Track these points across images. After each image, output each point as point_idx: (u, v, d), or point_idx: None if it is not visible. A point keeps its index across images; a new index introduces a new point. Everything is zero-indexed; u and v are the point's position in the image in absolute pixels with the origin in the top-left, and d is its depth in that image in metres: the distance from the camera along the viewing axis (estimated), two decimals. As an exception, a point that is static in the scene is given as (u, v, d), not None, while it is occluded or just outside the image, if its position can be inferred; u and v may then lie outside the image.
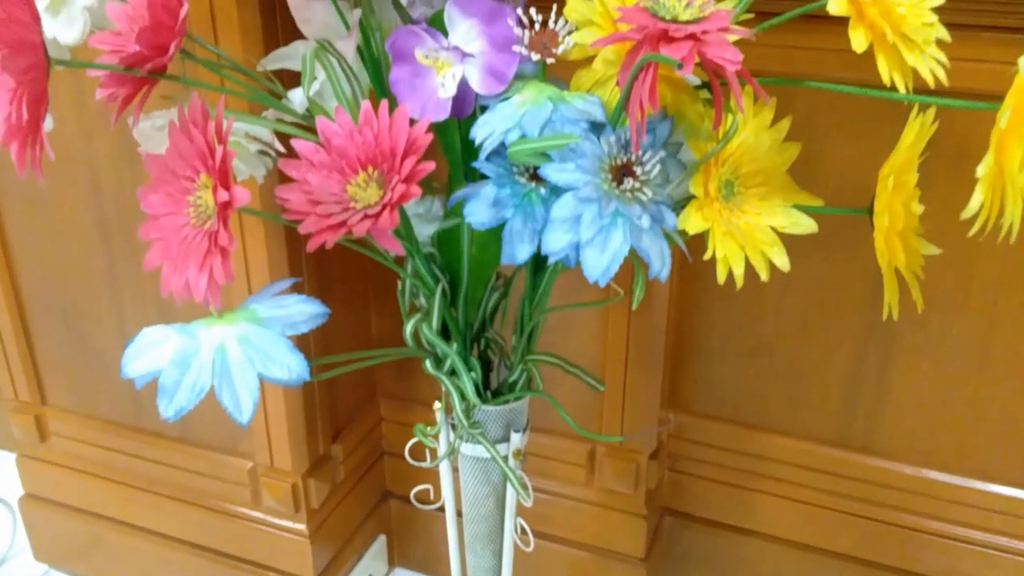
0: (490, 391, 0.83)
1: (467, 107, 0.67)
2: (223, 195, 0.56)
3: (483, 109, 0.65)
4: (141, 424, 1.23)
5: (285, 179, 0.60)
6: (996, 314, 1.00)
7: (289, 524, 1.19)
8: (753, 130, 0.62)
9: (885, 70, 0.52)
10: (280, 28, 0.87)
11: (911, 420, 1.08)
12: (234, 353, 0.60)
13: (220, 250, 0.58)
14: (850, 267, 1.01)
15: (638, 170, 0.59)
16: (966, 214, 0.49)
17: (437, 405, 0.84)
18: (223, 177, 0.57)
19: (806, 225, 0.62)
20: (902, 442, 1.10)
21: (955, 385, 1.05)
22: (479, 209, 0.64)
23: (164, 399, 0.59)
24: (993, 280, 0.98)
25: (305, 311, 0.64)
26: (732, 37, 0.50)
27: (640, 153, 0.59)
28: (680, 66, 0.47)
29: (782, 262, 0.62)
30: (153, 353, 0.61)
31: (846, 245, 0.99)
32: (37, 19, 0.54)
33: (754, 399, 1.15)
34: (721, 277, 0.60)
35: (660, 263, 0.60)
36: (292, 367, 0.61)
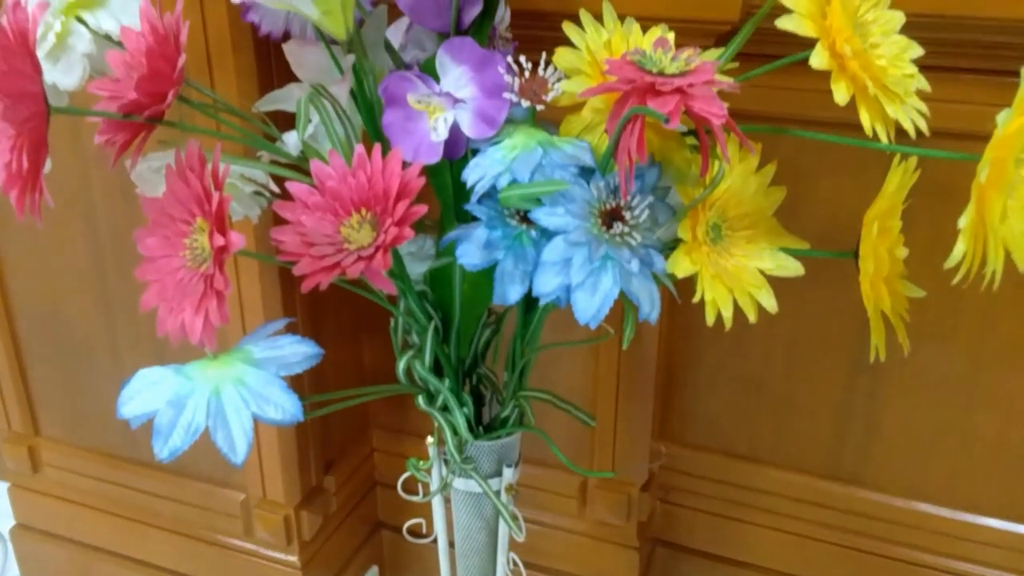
0: (482, 426, 0.84)
1: (459, 150, 0.68)
2: (219, 240, 0.57)
3: (474, 152, 0.66)
4: (134, 455, 1.23)
5: (280, 220, 0.61)
6: (983, 346, 1.01)
7: (281, 556, 1.19)
8: (739, 175, 0.63)
9: (867, 121, 0.53)
10: (275, 70, 0.88)
11: (901, 452, 1.09)
12: (229, 394, 0.61)
13: (216, 293, 0.59)
14: (837, 300, 1.02)
15: (627, 215, 0.61)
16: (949, 263, 0.50)
17: (430, 440, 0.85)
18: (219, 222, 0.58)
19: (792, 268, 0.63)
20: (892, 474, 1.10)
21: (944, 417, 1.06)
22: (471, 251, 0.65)
23: (159, 440, 0.59)
24: (979, 313, 0.99)
25: (299, 352, 0.65)
26: (718, 87, 0.52)
27: (629, 199, 0.60)
28: (667, 121, 0.48)
29: (770, 304, 0.63)
30: (149, 394, 0.62)
31: (833, 278, 1.00)
32: (38, 69, 0.55)
33: (744, 431, 1.16)
34: (710, 319, 0.61)
35: (649, 306, 0.62)
36: (286, 408, 0.62)
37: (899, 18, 0.58)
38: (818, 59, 0.52)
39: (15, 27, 0.55)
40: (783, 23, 0.52)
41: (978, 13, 0.79)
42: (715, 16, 0.80)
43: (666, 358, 1.15)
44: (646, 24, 0.65)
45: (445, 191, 0.74)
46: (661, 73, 0.52)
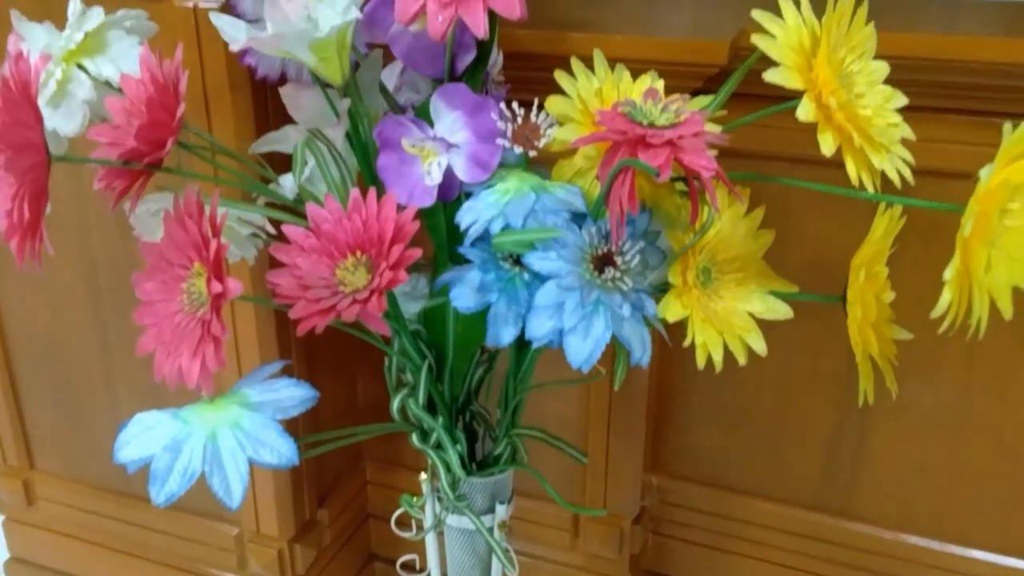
0: (475, 463, 0.85)
1: (452, 192, 0.69)
2: (217, 287, 0.58)
3: (468, 195, 0.67)
4: (128, 489, 1.23)
5: (276, 263, 0.62)
6: (970, 380, 1.02)
7: (275, 589, 1.20)
8: (729, 219, 0.64)
9: (853, 171, 0.54)
10: (271, 111, 0.89)
11: (889, 484, 1.10)
12: (225, 438, 0.62)
13: (213, 338, 0.59)
14: (826, 334, 1.03)
15: (618, 260, 0.62)
16: (935, 313, 0.51)
17: (423, 476, 0.85)
18: (217, 269, 0.59)
19: (782, 311, 0.64)
20: (881, 506, 1.11)
21: (932, 450, 1.06)
22: (465, 294, 0.66)
23: (155, 485, 0.60)
24: (965, 346, 1.00)
25: (295, 395, 0.65)
26: (707, 139, 0.53)
27: (620, 244, 0.61)
28: (657, 175, 0.49)
29: (759, 347, 0.64)
30: (145, 438, 0.62)
31: (822, 313, 1.00)
32: (40, 119, 0.56)
33: (735, 463, 1.17)
34: (701, 362, 0.62)
35: (641, 350, 0.62)
36: (282, 452, 0.62)
37: (883, 69, 0.59)
38: (805, 111, 0.53)
39: (18, 78, 0.56)
40: (770, 76, 0.54)
41: (960, 56, 0.81)
42: (704, 60, 0.82)
43: (657, 391, 1.16)
44: (636, 67, 0.67)
45: (439, 231, 0.75)
46: (652, 125, 0.53)
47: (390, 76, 0.77)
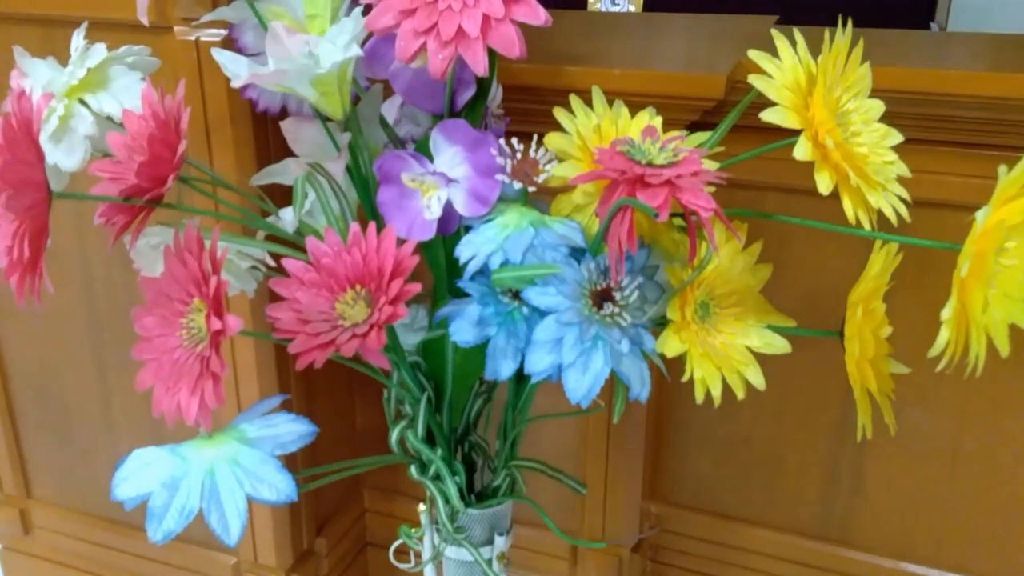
0: (474, 494, 0.85)
1: (452, 226, 0.69)
2: (216, 324, 0.58)
3: (467, 228, 0.68)
4: (125, 518, 1.23)
5: (275, 296, 0.62)
6: (967, 410, 1.02)
7: (272, 618, 1.19)
8: (727, 254, 0.64)
9: (850, 209, 0.55)
10: (272, 144, 0.90)
11: (888, 513, 1.10)
12: (223, 475, 0.62)
13: (212, 375, 0.59)
14: (824, 362, 1.03)
15: (617, 295, 0.62)
16: (933, 352, 0.51)
17: (422, 507, 0.85)
18: (217, 305, 0.59)
19: (780, 346, 0.64)
20: (879, 534, 1.11)
21: (929, 478, 1.06)
22: (464, 328, 0.66)
23: (153, 523, 0.60)
24: (962, 377, 1.00)
25: (294, 431, 0.65)
26: (706, 179, 0.53)
27: (619, 280, 0.62)
28: (656, 215, 0.49)
29: (758, 381, 0.64)
30: (143, 475, 0.62)
31: (819, 341, 1.01)
32: (41, 157, 0.56)
33: (733, 491, 1.17)
34: (699, 397, 0.62)
35: (640, 385, 0.63)
36: (280, 488, 0.62)
37: (878, 107, 0.60)
38: (802, 151, 0.53)
39: (20, 116, 0.56)
40: (768, 116, 0.54)
41: (951, 90, 0.82)
42: (701, 93, 0.82)
43: (655, 419, 1.16)
44: (634, 101, 0.67)
45: (438, 264, 0.76)
46: (650, 164, 0.53)
47: (390, 109, 0.78)
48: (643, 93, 0.82)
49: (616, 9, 2.22)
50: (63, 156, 0.66)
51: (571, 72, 0.86)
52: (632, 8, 2.21)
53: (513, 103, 0.81)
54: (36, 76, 0.67)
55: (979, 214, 0.49)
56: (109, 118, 0.68)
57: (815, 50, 0.59)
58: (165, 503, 0.60)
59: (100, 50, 0.67)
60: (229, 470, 0.62)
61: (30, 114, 0.56)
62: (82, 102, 0.67)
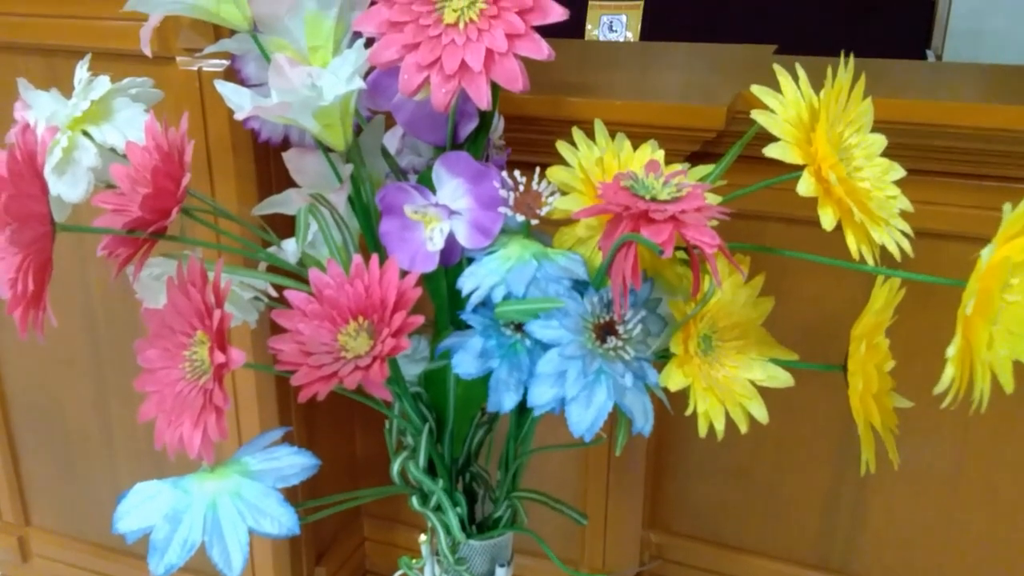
0: (475, 525, 0.84)
1: (454, 257, 0.69)
2: (220, 357, 0.58)
3: (469, 259, 0.68)
4: (125, 547, 1.22)
5: (277, 327, 0.62)
6: (967, 440, 1.02)
7: (270, 648, 1.18)
8: (729, 287, 0.65)
9: (854, 245, 0.55)
10: (274, 174, 0.90)
11: (888, 543, 1.09)
12: (225, 508, 0.61)
13: (215, 408, 0.59)
14: (824, 392, 1.03)
15: (620, 329, 0.62)
16: (938, 389, 0.51)
17: (423, 538, 0.85)
18: (220, 339, 0.59)
19: (782, 379, 0.64)
20: (880, 564, 1.11)
21: (930, 508, 1.06)
22: (466, 360, 0.66)
23: (155, 557, 0.59)
24: (963, 408, 1.00)
25: (296, 464, 0.65)
26: (709, 214, 0.53)
27: (622, 313, 0.62)
28: (661, 252, 0.49)
29: (761, 415, 0.64)
30: (145, 508, 0.62)
31: (821, 373, 1.01)
32: (45, 190, 0.56)
33: (733, 520, 1.16)
34: (703, 431, 0.62)
35: (643, 419, 0.63)
36: (283, 521, 0.62)
37: (881, 142, 0.60)
38: (805, 186, 0.54)
39: (24, 149, 0.56)
40: (771, 152, 0.54)
41: (951, 122, 0.82)
42: (702, 124, 0.83)
43: (656, 448, 1.15)
44: (635, 132, 0.67)
45: (440, 295, 0.76)
46: (654, 199, 0.53)
47: (392, 139, 0.78)
48: (644, 124, 0.82)
49: (614, 37, 2.23)
50: (67, 188, 0.66)
51: (572, 103, 0.86)
52: (630, 35, 2.22)
53: (515, 133, 0.81)
54: (40, 108, 0.67)
55: (984, 252, 0.49)
56: (112, 149, 0.68)
57: (815, 81, 0.59)
58: (167, 536, 0.60)
59: (104, 82, 0.67)
60: (231, 503, 0.62)
61: (34, 147, 0.56)
62: (86, 134, 0.67)
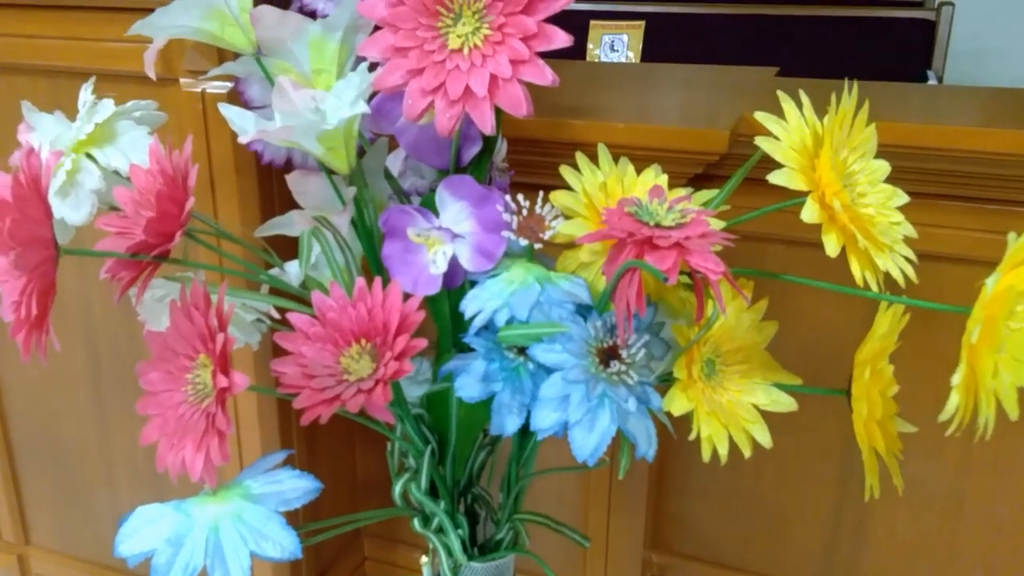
0: (477, 547, 0.84)
1: (457, 280, 0.69)
2: (223, 381, 0.58)
3: (472, 282, 0.68)
4: (123, 566, 1.22)
5: (280, 350, 0.62)
6: (970, 462, 1.02)
7: (270, 669, 1.18)
8: (733, 311, 0.65)
9: (858, 271, 0.55)
10: (276, 195, 0.90)
11: (890, 564, 1.09)
12: (227, 532, 0.61)
13: (218, 432, 0.59)
14: (826, 413, 1.03)
15: (624, 353, 0.62)
16: (943, 417, 0.51)
17: (424, 560, 0.85)
18: (223, 362, 0.59)
19: (786, 403, 0.64)
20: (883, 586, 1.10)
21: (932, 530, 1.06)
22: (469, 383, 0.66)
23: (157, 581, 0.59)
24: (965, 428, 1.00)
25: (298, 487, 0.65)
26: (714, 240, 0.53)
27: (626, 337, 0.62)
28: (666, 279, 0.49)
29: (764, 439, 0.64)
30: (147, 532, 0.62)
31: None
32: (49, 215, 0.56)
33: (735, 541, 1.16)
34: (706, 455, 0.62)
35: (647, 444, 0.62)
36: (284, 545, 0.62)
37: (884, 168, 0.60)
38: (809, 213, 0.54)
39: (29, 174, 0.56)
40: (775, 179, 0.54)
41: (954, 145, 0.82)
42: (705, 148, 0.83)
43: (657, 468, 1.15)
44: (638, 155, 0.67)
45: (442, 317, 0.75)
46: (658, 225, 0.54)
47: (394, 161, 0.78)
48: (647, 147, 0.83)
49: (615, 57, 2.23)
50: (70, 210, 0.66)
51: (575, 125, 0.86)
52: (631, 55, 2.23)
53: (518, 155, 0.81)
54: (44, 130, 0.68)
55: (989, 280, 0.49)
56: (116, 172, 0.68)
57: (817, 104, 0.59)
58: (169, 560, 0.60)
59: (108, 105, 0.67)
60: (233, 527, 0.61)
61: (39, 171, 0.56)
62: (89, 156, 0.67)
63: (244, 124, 0.68)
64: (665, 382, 0.64)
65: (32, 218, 0.55)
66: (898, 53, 2.33)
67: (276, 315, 0.76)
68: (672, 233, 0.52)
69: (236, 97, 0.75)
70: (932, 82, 2.31)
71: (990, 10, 2.46)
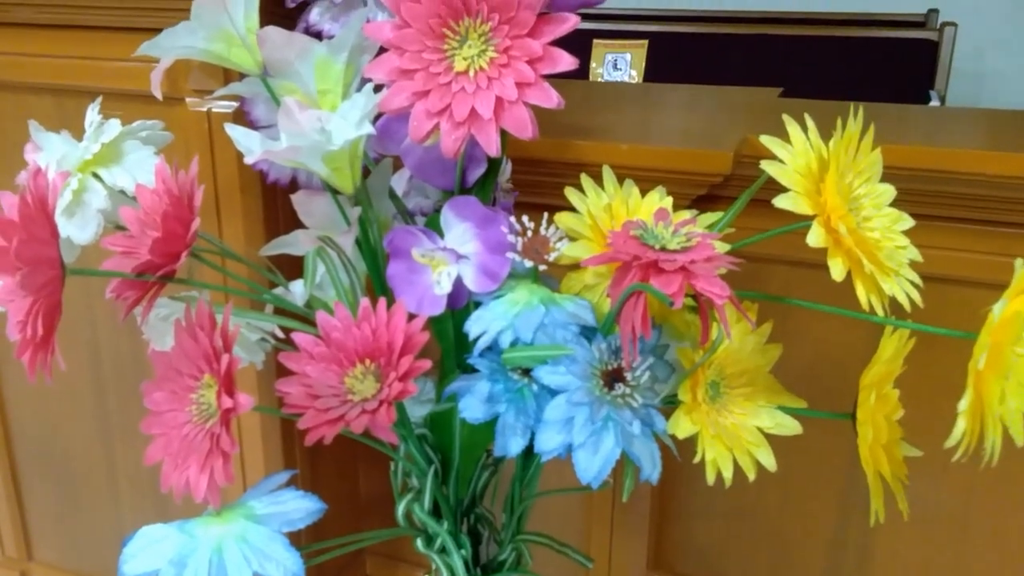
0: (479, 567, 0.84)
1: (461, 300, 0.69)
2: (227, 402, 0.58)
3: (476, 303, 0.68)
4: (123, 583, 1.22)
5: (284, 370, 0.62)
6: (974, 482, 1.02)
7: None
8: (737, 334, 0.65)
9: (863, 295, 0.55)
10: (281, 214, 0.90)
11: (896, 586, 1.09)
12: (231, 552, 0.61)
13: (222, 453, 0.59)
14: (830, 433, 1.03)
15: (628, 375, 0.62)
16: (949, 443, 0.51)
17: (426, 581, 0.84)
18: (228, 383, 0.59)
19: (790, 427, 0.64)
20: (887, 608, 1.10)
21: (937, 551, 1.05)
22: (473, 405, 0.66)
23: (161, 601, 0.59)
24: (972, 453, 1.00)
25: (302, 508, 0.65)
26: (719, 264, 0.53)
27: (631, 360, 0.62)
28: (672, 304, 0.49)
29: (769, 462, 0.64)
30: (151, 552, 0.61)
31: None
32: (56, 234, 0.57)
33: (738, 562, 1.15)
34: (710, 478, 0.62)
35: (651, 467, 0.62)
36: (288, 566, 0.62)
37: (890, 192, 0.60)
38: (815, 237, 0.54)
39: (35, 194, 0.56)
40: (781, 203, 0.54)
41: (957, 168, 0.83)
42: (708, 169, 0.83)
43: (660, 488, 1.15)
44: (642, 175, 0.68)
45: (446, 338, 0.76)
46: (664, 249, 0.54)
47: (399, 181, 0.78)
48: (651, 168, 0.83)
49: (618, 76, 2.24)
50: (76, 230, 0.66)
51: (579, 146, 0.86)
52: (634, 74, 2.24)
53: (522, 175, 0.82)
54: (51, 150, 0.68)
55: (995, 307, 0.49)
56: (122, 192, 0.68)
57: (821, 125, 0.59)
58: (171, 582, 0.60)
59: (115, 125, 0.68)
60: (237, 548, 0.61)
61: (46, 192, 0.56)
62: (96, 176, 0.67)
63: (250, 144, 0.68)
64: (669, 404, 0.64)
65: (39, 238, 0.55)
66: (901, 73, 2.34)
67: (280, 335, 0.76)
68: (678, 257, 0.52)
69: (242, 117, 0.75)
70: (934, 102, 2.31)
71: (992, 31, 2.47)
